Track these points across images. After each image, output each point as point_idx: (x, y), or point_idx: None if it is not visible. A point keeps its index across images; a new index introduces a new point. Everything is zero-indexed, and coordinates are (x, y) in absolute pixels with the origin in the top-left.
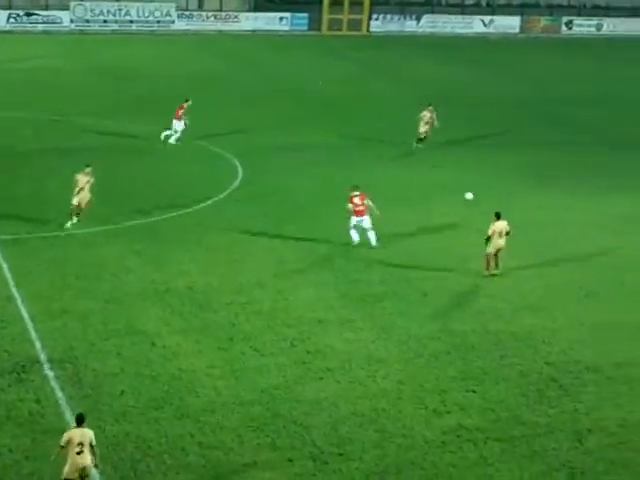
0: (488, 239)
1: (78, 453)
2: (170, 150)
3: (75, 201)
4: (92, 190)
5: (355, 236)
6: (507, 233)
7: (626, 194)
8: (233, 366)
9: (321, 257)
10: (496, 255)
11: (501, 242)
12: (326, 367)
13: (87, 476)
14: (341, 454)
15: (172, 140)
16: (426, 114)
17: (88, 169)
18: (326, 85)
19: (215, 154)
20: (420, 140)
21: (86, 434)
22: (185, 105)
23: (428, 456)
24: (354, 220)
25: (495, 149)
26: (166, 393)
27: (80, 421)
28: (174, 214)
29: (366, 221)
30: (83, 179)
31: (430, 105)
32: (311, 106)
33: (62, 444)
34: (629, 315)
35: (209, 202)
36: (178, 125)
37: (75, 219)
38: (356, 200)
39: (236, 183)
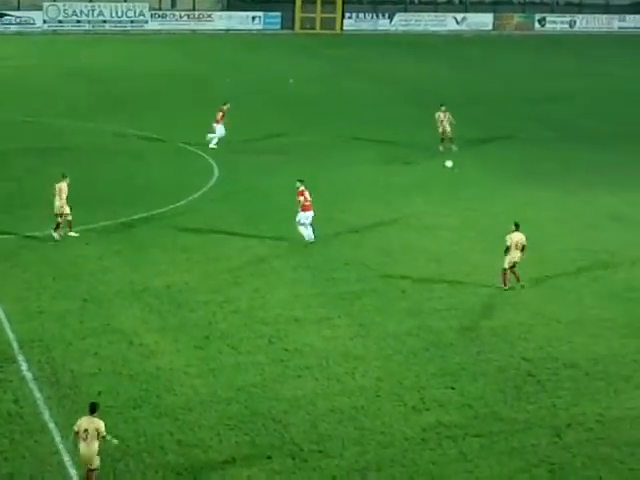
0: (507, 250)
1: (83, 440)
2: (145, 150)
3: (68, 210)
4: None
5: (305, 232)
6: (522, 247)
7: (616, 191)
8: (211, 364)
9: (298, 255)
10: (512, 268)
11: (517, 255)
12: (304, 365)
13: (92, 466)
14: (320, 451)
15: (212, 144)
16: (440, 115)
17: (67, 179)
18: (299, 84)
19: (191, 153)
20: (443, 141)
21: (93, 423)
22: (224, 108)
23: (408, 453)
24: (302, 216)
25: (476, 146)
26: (144, 392)
27: (92, 410)
28: (150, 214)
29: (311, 217)
30: (65, 187)
31: (443, 106)
32: (285, 105)
33: (76, 429)
34: (605, 312)
35: (186, 201)
36: (219, 129)
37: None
38: (307, 194)
39: (212, 182)
